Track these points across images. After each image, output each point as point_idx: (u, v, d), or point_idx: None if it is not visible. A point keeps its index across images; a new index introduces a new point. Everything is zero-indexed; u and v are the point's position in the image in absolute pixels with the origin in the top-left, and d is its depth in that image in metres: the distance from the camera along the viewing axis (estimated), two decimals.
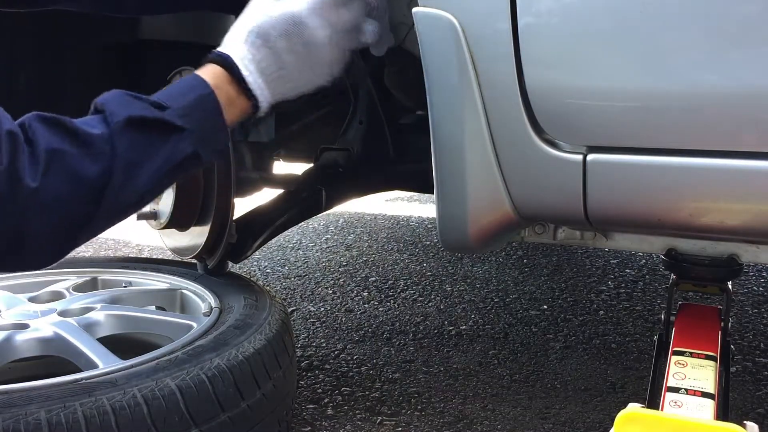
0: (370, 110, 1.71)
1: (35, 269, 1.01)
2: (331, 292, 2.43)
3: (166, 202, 1.57)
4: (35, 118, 0.92)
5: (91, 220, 0.95)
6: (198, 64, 1.49)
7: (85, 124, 0.95)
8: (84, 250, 2.80)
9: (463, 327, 2.11)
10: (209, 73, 1.06)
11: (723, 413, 0.99)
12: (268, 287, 1.68)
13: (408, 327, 2.11)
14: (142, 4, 1.35)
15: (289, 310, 2.25)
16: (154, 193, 1.02)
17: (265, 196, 1.77)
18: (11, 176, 0.87)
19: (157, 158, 0.98)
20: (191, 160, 1.02)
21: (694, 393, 0.97)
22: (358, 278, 2.56)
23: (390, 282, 2.51)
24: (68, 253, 0.99)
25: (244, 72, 1.06)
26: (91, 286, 1.71)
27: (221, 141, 1.06)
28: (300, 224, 2.41)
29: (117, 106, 0.98)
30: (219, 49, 1.09)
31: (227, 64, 1.06)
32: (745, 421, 0.90)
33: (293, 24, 1.09)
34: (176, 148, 0.99)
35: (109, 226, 1.01)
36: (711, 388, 0.98)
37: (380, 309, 2.26)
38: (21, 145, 0.88)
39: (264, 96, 1.09)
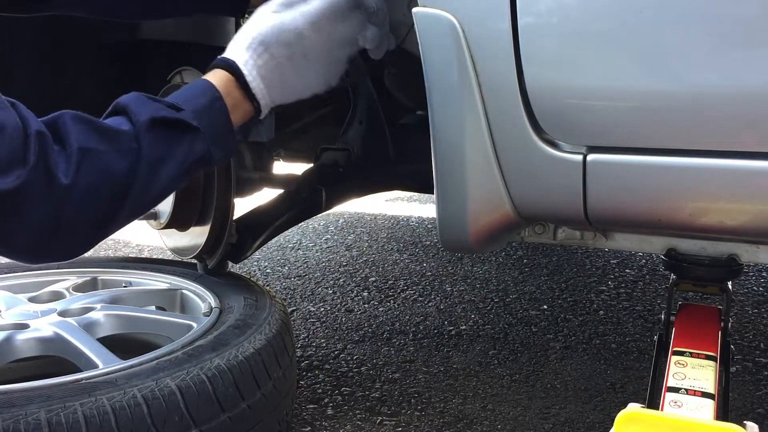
0: (370, 110, 1.71)
1: (64, 260, 1.07)
2: (331, 292, 2.43)
3: (166, 201, 1.57)
4: (66, 117, 0.97)
5: (117, 213, 1.01)
6: (198, 64, 1.50)
7: (112, 122, 1.01)
8: None
9: (463, 327, 2.11)
10: (217, 78, 1.12)
11: (723, 413, 0.99)
12: (268, 287, 1.68)
13: (408, 327, 2.11)
14: (145, 11, 1.36)
15: (289, 310, 2.25)
16: (171, 190, 1.09)
17: (265, 196, 1.77)
18: (44, 173, 0.91)
19: (176, 155, 1.04)
20: (204, 160, 1.09)
21: (694, 393, 0.97)
22: (358, 278, 2.56)
23: (390, 282, 2.51)
24: (96, 244, 1.06)
25: (248, 77, 1.13)
26: (91, 286, 1.71)
27: (230, 143, 1.12)
28: (300, 224, 2.41)
29: (139, 106, 1.03)
30: (224, 55, 1.16)
31: (233, 70, 1.13)
32: (745, 421, 0.90)
33: (294, 35, 1.15)
34: (192, 147, 1.06)
35: (131, 220, 1.07)
36: (711, 388, 0.98)
37: (380, 309, 2.26)
38: (50, 143, 0.93)
39: (265, 100, 1.15)
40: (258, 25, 1.17)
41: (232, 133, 1.12)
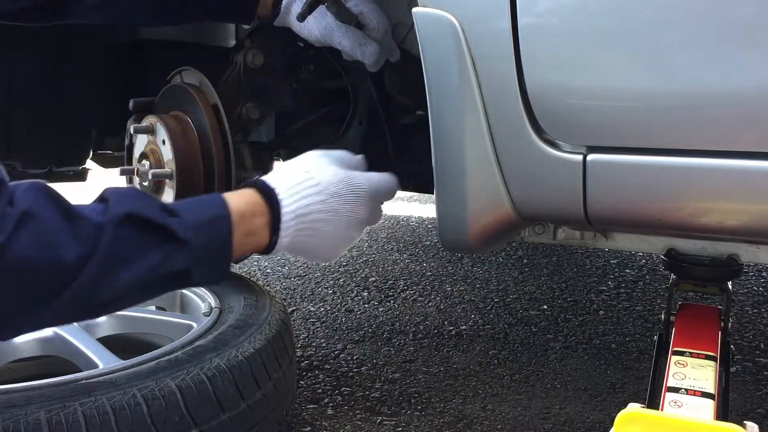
0: (370, 110, 1.71)
1: None
2: (331, 292, 2.43)
3: (166, 202, 1.57)
4: (29, 184, 0.85)
5: (50, 303, 0.85)
6: (198, 64, 1.50)
7: (82, 207, 0.88)
8: None
9: (463, 327, 2.11)
10: (243, 197, 1.01)
11: (723, 413, 0.99)
12: (268, 287, 1.68)
13: (408, 327, 2.11)
14: (157, 19, 1.36)
15: (289, 310, 2.25)
16: (128, 301, 0.93)
17: None
18: None
19: (143, 261, 0.89)
20: (180, 278, 0.94)
21: (694, 393, 0.97)
22: (358, 278, 2.56)
23: (390, 282, 2.51)
24: (9, 337, 0.89)
25: (285, 210, 1.02)
26: None
27: (220, 269, 0.98)
28: None
29: (122, 199, 0.90)
30: (265, 179, 1.04)
31: (270, 198, 1.02)
32: (745, 421, 0.90)
33: (354, 190, 1.07)
34: (168, 260, 0.91)
35: (66, 320, 0.92)
36: (711, 388, 0.98)
37: (380, 309, 2.26)
38: (4, 197, 0.81)
39: (284, 240, 1.03)
40: (323, 170, 1.06)
41: (226, 260, 0.97)
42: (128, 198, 0.91)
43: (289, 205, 1.02)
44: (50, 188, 0.86)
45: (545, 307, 2.27)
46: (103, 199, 0.91)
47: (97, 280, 0.86)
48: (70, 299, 0.85)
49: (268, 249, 1.04)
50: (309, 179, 1.05)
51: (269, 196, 1.02)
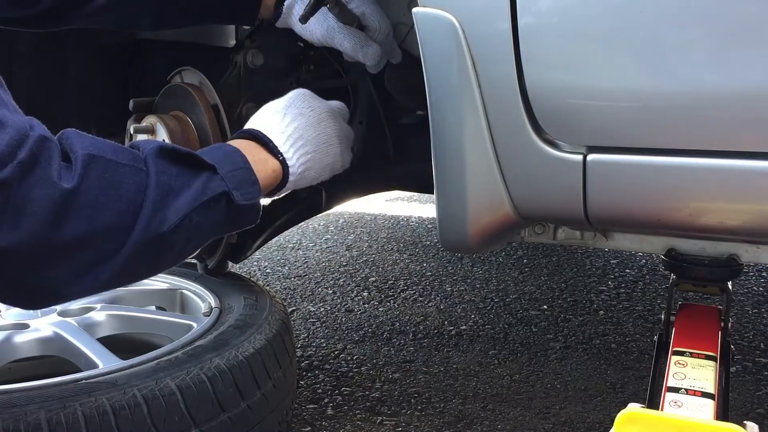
0: (370, 110, 1.71)
1: (52, 301, 0.94)
2: (331, 292, 2.43)
3: None
4: (69, 131, 0.92)
5: (128, 236, 0.89)
6: (198, 64, 1.50)
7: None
8: None
9: (463, 327, 2.11)
10: (232, 143, 1.13)
11: (723, 413, 0.99)
12: (268, 287, 1.68)
13: (408, 327, 2.11)
14: (158, 23, 1.37)
15: (289, 310, 2.25)
16: (189, 230, 0.97)
17: None
18: (39, 173, 0.82)
19: (188, 188, 0.97)
20: (226, 201, 1.02)
21: (694, 393, 0.97)
22: (358, 278, 2.56)
23: (390, 282, 2.51)
24: (95, 289, 0.92)
25: (268, 134, 1.16)
26: None
27: (254, 192, 1.07)
28: (300, 224, 2.41)
29: (148, 141, 1.01)
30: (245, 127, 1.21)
31: (250, 133, 1.16)
32: (745, 421, 0.91)
33: (310, 109, 1.24)
34: (208, 184, 0.99)
35: (140, 263, 0.94)
36: (711, 388, 0.98)
37: (380, 309, 2.26)
38: (55, 151, 0.85)
39: (290, 156, 1.17)
40: (282, 101, 1.23)
41: (255, 183, 1.06)
42: (153, 141, 1.03)
43: (269, 130, 1.16)
44: (85, 133, 0.93)
45: (545, 307, 2.27)
46: (131, 146, 0.99)
47: (157, 207, 0.92)
48: (141, 229, 0.90)
49: (285, 176, 1.16)
50: (265, 111, 1.22)
51: (251, 134, 1.16)
